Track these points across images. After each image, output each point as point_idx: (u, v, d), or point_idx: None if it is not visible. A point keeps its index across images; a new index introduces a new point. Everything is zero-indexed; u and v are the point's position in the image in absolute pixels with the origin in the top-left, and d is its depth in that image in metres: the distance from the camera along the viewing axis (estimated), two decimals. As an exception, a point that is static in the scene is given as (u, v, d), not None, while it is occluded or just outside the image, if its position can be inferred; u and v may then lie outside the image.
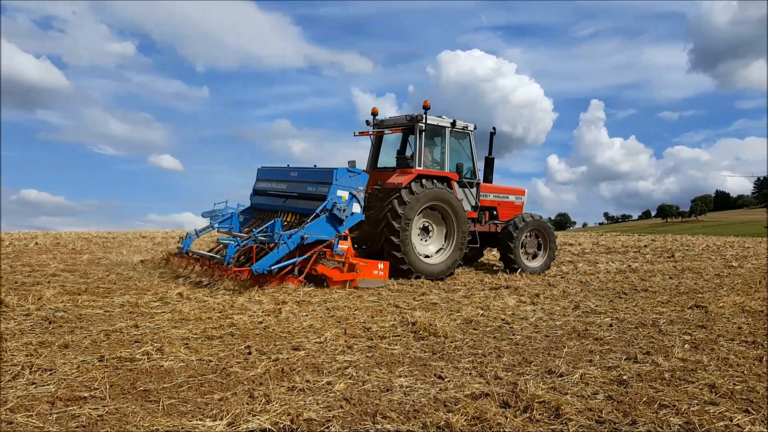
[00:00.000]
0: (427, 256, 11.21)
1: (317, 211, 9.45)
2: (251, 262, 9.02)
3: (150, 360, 5.11)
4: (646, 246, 21.16)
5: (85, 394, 4.21)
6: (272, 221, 9.66)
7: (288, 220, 10.48)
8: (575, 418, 4.00)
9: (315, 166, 10.72)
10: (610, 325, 7.17)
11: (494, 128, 12.88)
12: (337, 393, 4.41)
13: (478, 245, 12.54)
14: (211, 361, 5.17)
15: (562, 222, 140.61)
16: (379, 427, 3.79)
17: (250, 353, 5.43)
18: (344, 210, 9.59)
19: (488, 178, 12.70)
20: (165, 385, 4.50)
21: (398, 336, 6.34)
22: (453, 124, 11.77)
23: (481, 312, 7.75)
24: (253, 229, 9.94)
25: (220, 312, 7.18)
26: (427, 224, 11.40)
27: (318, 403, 4.16)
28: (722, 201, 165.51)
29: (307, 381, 4.65)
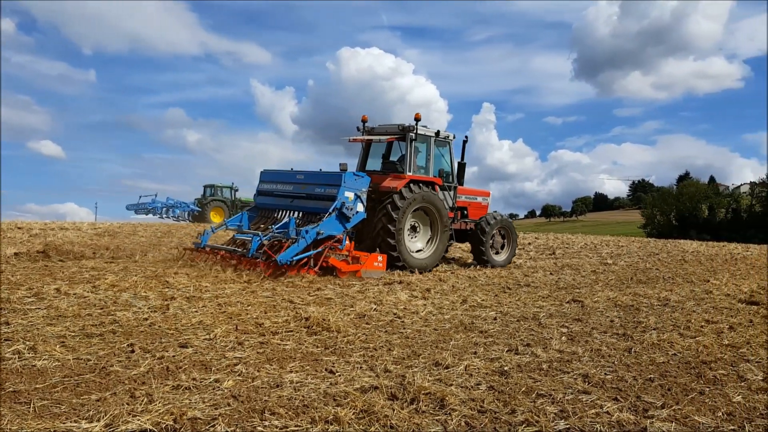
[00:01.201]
0: (414, 251, 12.42)
1: (329, 209, 10.71)
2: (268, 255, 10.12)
3: (21, 359, 4.79)
4: (530, 243, 22.24)
5: (-56, 398, 3.88)
6: (287, 219, 11.14)
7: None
8: (459, 408, 4.16)
9: (321, 170, 12.19)
10: (495, 319, 7.50)
11: (466, 136, 14.27)
12: (225, 390, 4.33)
13: (453, 241, 13.75)
14: (89, 360, 4.91)
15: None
16: (266, 423, 3.76)
17: (132, 351, 5.20)
18: (351, 209, 10.95)
19: (460, 181, 14.02)
20: (37, 386, 4.23)
21: (291, 331, 6.31)
22: (437, 133, 12.99)
23: (374, 307, 7.86)
24: (272, 226, 11.31)
25: (101, 308, 6.82)
26: (415, 223, 12.62)
27: (204, 402, 4.07)
28: (601, 202, 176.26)
29: (194, 379, 4.53)
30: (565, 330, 6.99)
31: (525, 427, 3.91)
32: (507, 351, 5.86)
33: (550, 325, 7.20)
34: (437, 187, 12.81)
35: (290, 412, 3.95)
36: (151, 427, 3.57)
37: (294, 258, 10.03)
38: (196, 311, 6.97)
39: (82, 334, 5.70)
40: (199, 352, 5.31)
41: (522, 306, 8.52)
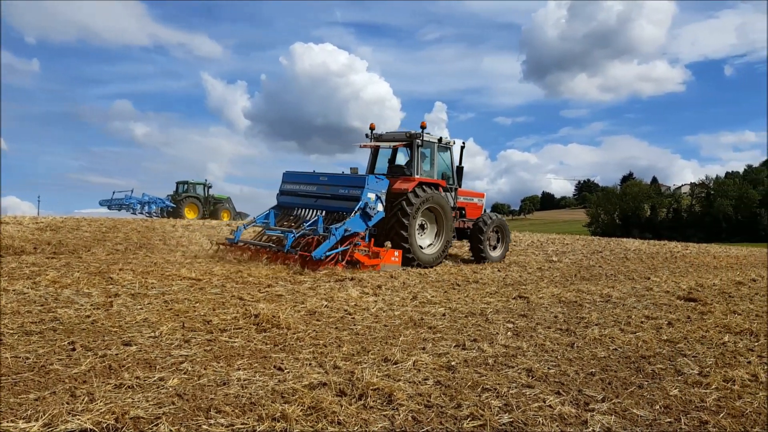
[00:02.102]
0: (423, 247, 13.42)
1: (354, 209, 11.76)
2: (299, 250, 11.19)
3: (-47, 359, 4.59)
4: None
5: None
6: (316, 217, 12.31)
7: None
8: (406, 403, 4.21)
9: (343, 172, 13.37)
10: (444, 315, 7.59)
11: (464, 142, 15.20)
12: (170, 389, 4.25)
13: (454, 239, 14.73)
14: (28, 358, 4.75)
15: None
16: (212, 422, 3.72)
17: (73, 349, 5.06)
18: (373, 209, 12.04)
19: (459, 183, 14.99)
20: (-30, 387, 4.06)
21: (240, 328, 6.23)
22: (440, 140, 14.06)
23: (325, 303, 7.83)
24: (303, 223, 12.36)
25: (41, 305, 6.60)
26: (423, 222, 13.60)
27: (148, 400, 3.99)
28: (548, 201, 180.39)
29: (137, 377, 4.43)
30: (510, 325, 7.12)
31: (470, 420, 3.99)
32: (454, 346, 5.94)
33: (497, 321, 7.33)
34: (441, 189, 13.73)
35: (237, 410, 3.91)
36: (91, 427, 3.48)
37: (326, 253, 11.00)
38: (141, 308, 6.82)
39: (21, 331, 5.51)
40: (143, 350, 5.19)
41: (470, 302, 8.64)
